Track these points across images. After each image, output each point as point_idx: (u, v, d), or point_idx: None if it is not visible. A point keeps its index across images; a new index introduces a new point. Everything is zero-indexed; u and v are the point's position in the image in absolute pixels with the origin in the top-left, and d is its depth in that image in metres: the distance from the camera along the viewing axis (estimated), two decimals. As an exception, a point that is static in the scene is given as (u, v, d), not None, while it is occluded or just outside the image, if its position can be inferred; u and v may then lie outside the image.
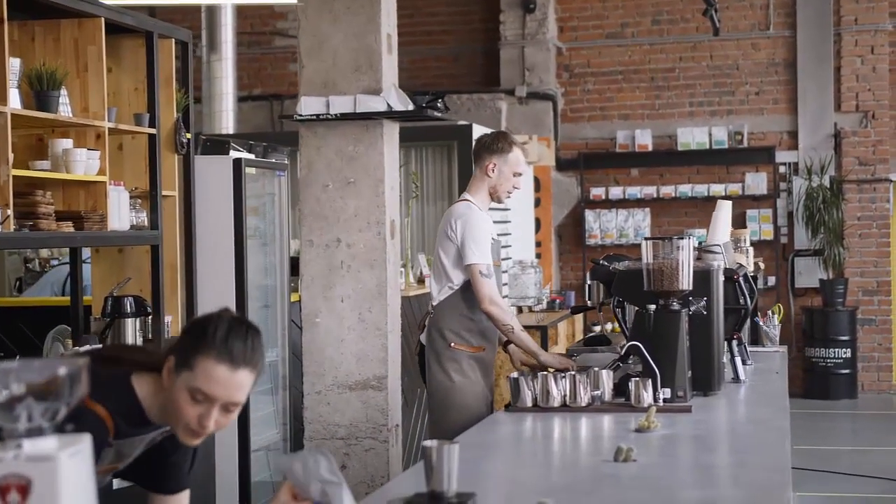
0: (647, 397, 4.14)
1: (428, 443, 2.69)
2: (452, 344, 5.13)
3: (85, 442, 1.77)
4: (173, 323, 5.76)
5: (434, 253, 5.28)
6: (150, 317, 5.47)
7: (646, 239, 4.44)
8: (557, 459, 3.62)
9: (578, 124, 12.98)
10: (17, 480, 1.69)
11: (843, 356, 12.06)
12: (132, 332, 5.31)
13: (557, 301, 10.82)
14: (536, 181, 12.23)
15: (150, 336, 5.51)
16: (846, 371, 12.10)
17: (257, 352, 2.60)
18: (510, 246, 10.35)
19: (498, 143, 5.26)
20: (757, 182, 12.45)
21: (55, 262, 8.60)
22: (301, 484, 2.50)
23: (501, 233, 10.02)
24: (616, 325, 11.91)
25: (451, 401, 5.10)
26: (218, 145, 6.41)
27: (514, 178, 5.25)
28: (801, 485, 8.09)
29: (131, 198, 5.42)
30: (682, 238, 4.38)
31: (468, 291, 5.14)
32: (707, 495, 2.95)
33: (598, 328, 12.06)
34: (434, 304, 5.24)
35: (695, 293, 4.43)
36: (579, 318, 11.05)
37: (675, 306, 4.36)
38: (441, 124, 9.27)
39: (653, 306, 4.37)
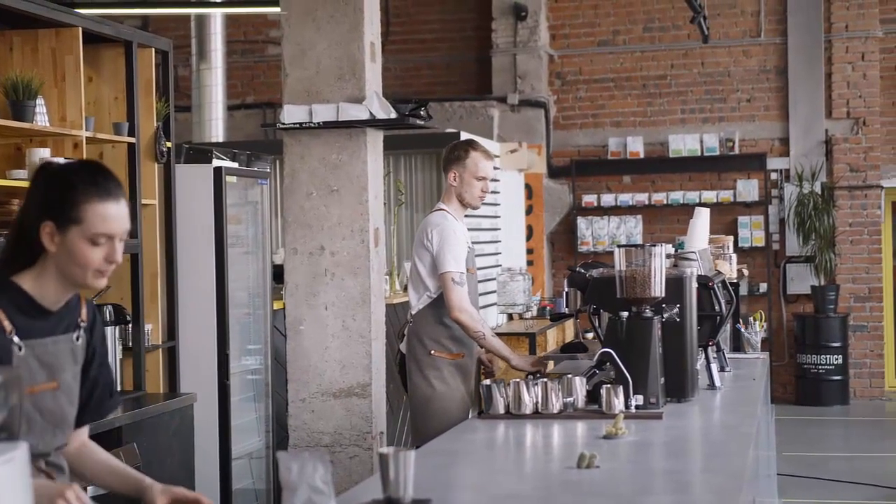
0: (619, 404, 4.15)
1: (383, 450, 2.71)
2: (432, 351, 5.21)
3: (21, 450, 1.79)
4: (153, 331, 5.77)
5: (411, 262, 5.34)
6: (129, 325, 5.49)
7: (619, 246, 4.46)
8: (523, 466, 3.64)
9: (570, 131, 13.00)
10: (-53, 488, 1.70)
11: (835, 363, 12.07)
12: (112, 340, 5.33)
13: (548, 308, 10.83)
14: (528, 188, 12.26)
15: (130, 345, 5.52)
16: (838, 377, 12.10)
17: (118, 180, 2.72)
18: (500, 253, 10.37)
19: (454, 151, 5.37)
20: (748, 189, 12.46)
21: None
22: (289, 483, 2.52)
23: (491, 240, 10.06)
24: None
25: (432, 408, 5.15)
26: (201, 154, 6.42)
27: (478, 183, 5.31)
28: (791, 491, 8.09)
29: (111, 206, 5.43)
30: (655, 245, 4.40)
31: None
32: (663, 500, 2.96)
33: (591, 335, 12.07)
34: (413, 312, 5.31)
35: (668, 300, 4.44)
36: (570, 324, 11.06)
37: (648, 313, 4.37)
38: (430, 132, 9.29)
39: (625, 313, 4.38)
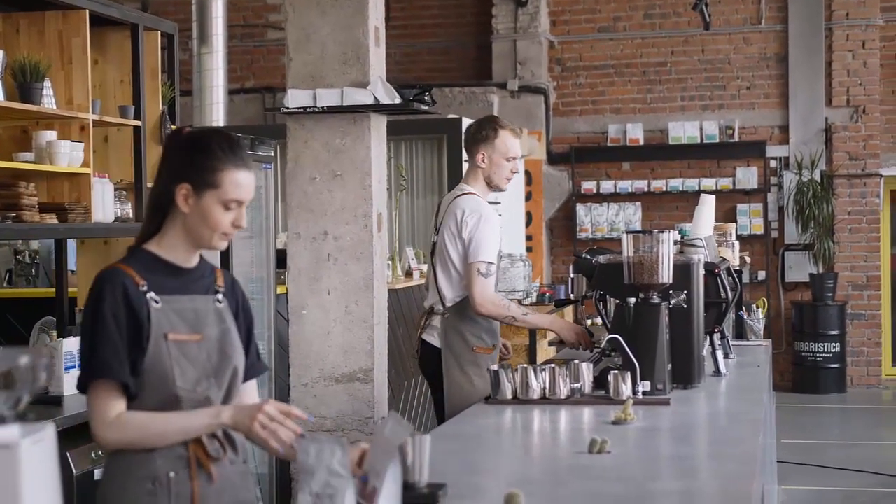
0: (626, 390, 4.16)
1: (400, 434, 2.71)
2: (475, 348, 5.01)
3: (47, 431, 1.79)
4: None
5: (440, 251, 5.10)
6: (135, 308, 5.47)
7: (626, 232, 4.45)
8: (533, 451, 3.65)
9: (570, 118, 13.00)
10: (-23, 468, 1.71)
11: (833, 350, 12.10)
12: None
13: (548, 294, 10.84)
14: (528, 175, 12.26)
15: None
16: (835, 365, 12.13)
17: (248, 151, 2.92)
18: (500, 239, 10.37)
19: (482, 130, 5.10)
20: (748, 176, 12.47)
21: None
22: (307, 467, 2.54)
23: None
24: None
25: (471, 404, 4.94)
26: (205, 138, 6.40)
27: (508, 164, 5.07)
28: (789, 478, 8.12)
29: (116, 189, 5.43)
30: (663, 232, 4.40)
31: None
32: (675, 486, 2.97)
33: (589, 321, 12.09)
34: (447, 304, 5.07)
35: (675, 287, 4.44)
36: (569, 311, 11.08)
37: (655, 299, 4.38)
38: (431, 118, 9.29)
39: (633, 299, 4.38)
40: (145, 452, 2.77)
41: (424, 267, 8.27)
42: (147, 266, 2.81)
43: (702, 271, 4.65)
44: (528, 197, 12.25)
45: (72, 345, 5.02)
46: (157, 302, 2.77)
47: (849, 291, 12.41)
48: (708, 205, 5.53)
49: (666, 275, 4.37)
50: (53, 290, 5.75)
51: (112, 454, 2.82)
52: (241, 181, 2.80)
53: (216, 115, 10.28)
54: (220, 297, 2.90)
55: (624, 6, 12.87)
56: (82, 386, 2.78)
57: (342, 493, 2.55)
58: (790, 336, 12.40)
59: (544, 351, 9.35)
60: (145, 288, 2.77)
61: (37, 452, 1.75)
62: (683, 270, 4.51)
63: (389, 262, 7.73)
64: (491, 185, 5.12)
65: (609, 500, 2.82)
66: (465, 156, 9.75)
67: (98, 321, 2.72)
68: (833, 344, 12.09)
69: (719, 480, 2.99)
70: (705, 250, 5.05)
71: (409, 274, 7.99)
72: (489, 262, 4.90)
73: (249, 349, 2.98)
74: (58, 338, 5.20)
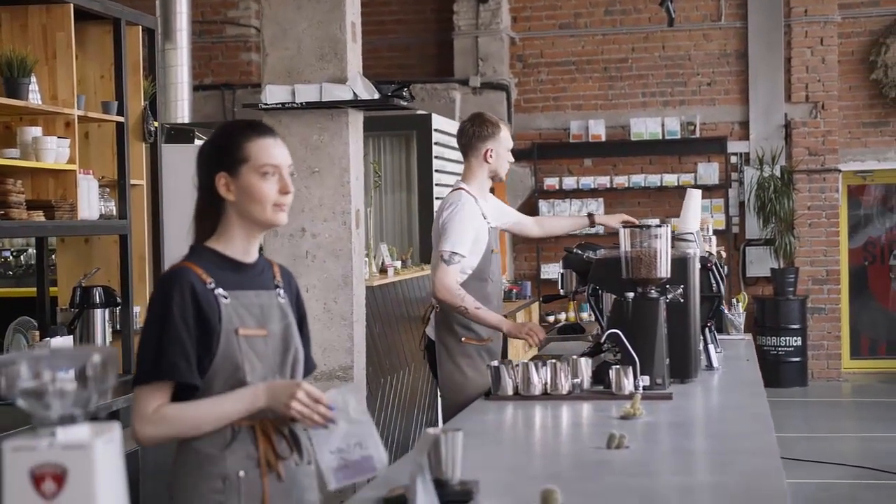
0: (629, 385, 4.16)
1: (432, 430, 2.68)
2: (463, 339, 5.08)
3: (115, 430, 1.75)
4: (142, 313, 5.68)
5: (433, 246, 5.19)
6: (118, 307, 5.40)
7: (624, 226, 4.45)
8: (549, 447, 3.62)
9: (532, 114, 13.01)
10: (52, 469, 1.68)
11: (794, 344, 12.21)
12: (101, 322, 5.24)
13: (514, 291, 10.85)
14: (490, 171, 12.22)
15: (118, 327, 5.44)
16: (797, 359, 12.25)
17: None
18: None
19: (487, 128, 5.23)
20: (709, 172, 12.55)
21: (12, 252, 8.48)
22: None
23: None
24: (573, 314, 11.95)
25: (465, 395, 4.91)
26: (182, 134, 6.34)
27: (507, 154, 5.30)
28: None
29: (100, 187, 5.34)
30: (661, 226, 4.40)
31: (473, 283, 5.04)
32: (705, 480, 2.97)
33: (551, 318, 12.12)
34: (439, 298, 5.08)
35: (671, 281, 4.45)
36: (535, 307, 11.10)
37: (654, 294, 4.38)
38: (400, 114, 9.24)
39: (631, 294, 4.38)
40: (217, 451, 2.74)
41: (399, 264, 8.24)
42: (211, 262, 2.80)
43: (697, 265, 4.66)
44: (491, 193, 12.23)
45: (59, 345, 4.94)
46: (225, 297, 2.77)
47: (809, 286, 12.53)
48: (695, 199, 5.54)
49: (664, 269, 4.37)
50: (31, 289, 5.66)
51: (180, 449, 2.78)
52: (268, 146, 2.80)
53: (181, 112, 10.17)
54: (281, 291, 2.90)
55: (585, 3, 12.90)
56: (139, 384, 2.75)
57: (368, 436, 2.53)
58: (752, 330, 12.48)
59: (514, 347, 9.34)
60: (213, 285, 2.76)
61: (108, 452, 1.72)
62: (680, 265, 4.52)
63: (366, 259, 7.69)
64: (494, 179, 5.30)
65: (643, 495, 2.81)
66: (436, 151, 9.73)
67: (167, 322, 2.71)
68: (794, 338, 12.21)
69: (747, 476, 2.97)
70: (697, 244, 5.06)
71: (383, 271, 7.94)
72: (453, 252, 4.97)
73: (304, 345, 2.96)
74: (41, 339, 5.11)
